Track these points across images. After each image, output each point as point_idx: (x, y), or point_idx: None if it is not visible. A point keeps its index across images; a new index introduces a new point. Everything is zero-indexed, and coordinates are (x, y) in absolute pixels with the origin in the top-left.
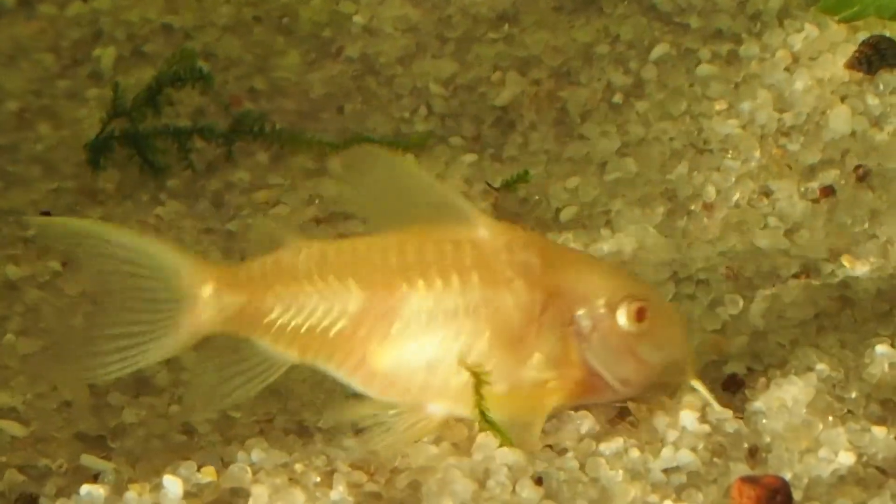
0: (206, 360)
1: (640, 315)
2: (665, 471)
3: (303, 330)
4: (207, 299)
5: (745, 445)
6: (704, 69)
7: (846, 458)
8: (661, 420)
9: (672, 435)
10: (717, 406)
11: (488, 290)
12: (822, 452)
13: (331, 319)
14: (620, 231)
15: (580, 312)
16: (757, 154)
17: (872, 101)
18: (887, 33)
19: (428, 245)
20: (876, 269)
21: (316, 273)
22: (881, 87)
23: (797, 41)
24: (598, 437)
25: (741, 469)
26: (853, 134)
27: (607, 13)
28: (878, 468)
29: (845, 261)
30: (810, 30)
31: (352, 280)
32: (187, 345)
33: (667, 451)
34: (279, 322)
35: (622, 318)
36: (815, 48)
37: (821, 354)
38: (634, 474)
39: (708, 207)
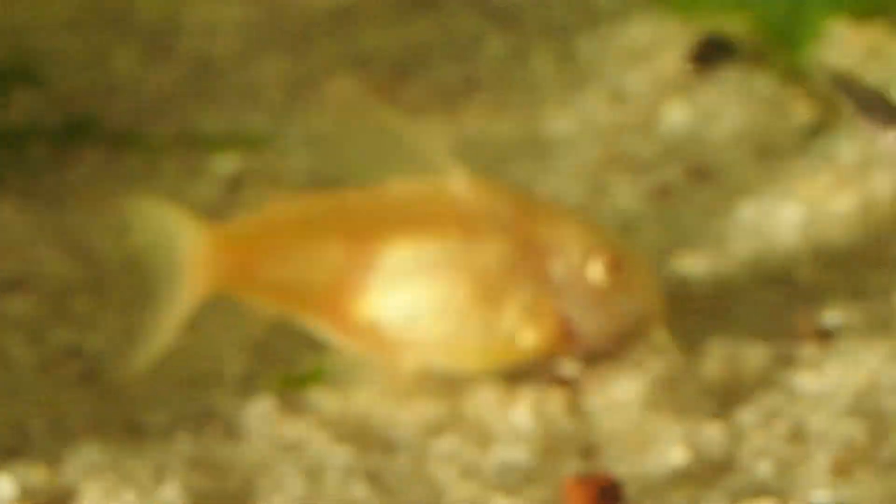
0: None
1: (612, 267)
2: (497, 468)
3: (285, 284)
4: (198, 260)
5: (579, 443)
6: (540, 65)
7: (679, 455)
8: (494, 417)
9: (505, 432)
10: (679, 360)
11: (466, 241)
12: (656, 449)
13: (313, 273)
14: None
15: (554, 264)
16: (595, 151)
17: (708, 95)
18: (722, 30)
19: (406, 199)
20: (711, 265)
21: (299, 228)
22: (717, 81)
23: (635, 35)
24: (432, 434)
25: (574, 466)
26: (689, 129)
27: (444, 10)
28: (711, 464)
29: (680, 256)
30: (648, 24)
31: (334, 236)
32: (189, 310)
33: (499, 449)
34: (264, 280)
35: (595, 270)
36: (652, 42)
37: (655, 351)
38: (467, 472)
39: None
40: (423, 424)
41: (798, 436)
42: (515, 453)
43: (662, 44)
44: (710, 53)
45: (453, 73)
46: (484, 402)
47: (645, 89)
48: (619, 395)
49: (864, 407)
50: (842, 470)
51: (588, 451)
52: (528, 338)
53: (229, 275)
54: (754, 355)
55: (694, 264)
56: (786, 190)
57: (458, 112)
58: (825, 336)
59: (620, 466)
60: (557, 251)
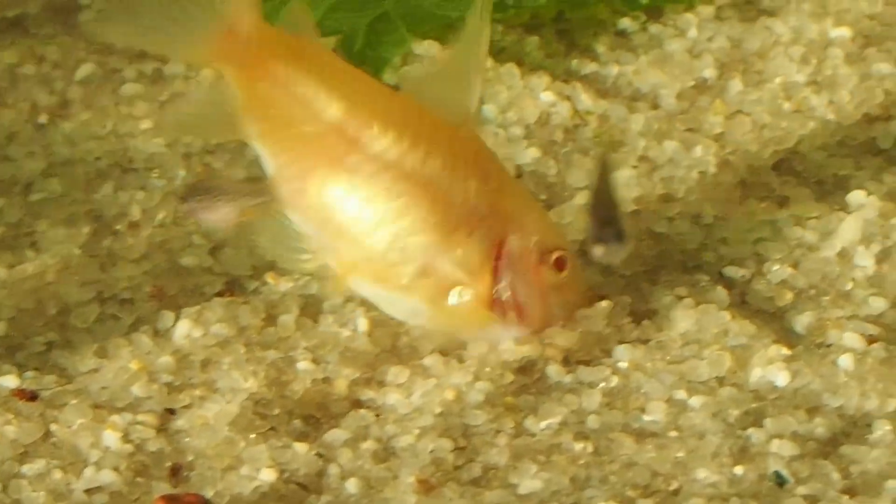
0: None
1: (560, 265)
2: (87, 491)
3: (272, 111)
4: (235, 35)
5: (168, 464)
6: (129, 88)
7: (267, 475)
8: (84, 439)
9: (95, 455)
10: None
11: (445, 173)
12: (244, 469)
13: (300, 118)
14: (45, 252)
15: (512, 238)
16: (182, 172)
17: None
18: None
19: (416, 110)
20: (300, 286)
21: (317, 73)
22: None
23: None
24: (22, 459)
25: (163, 488)
26: None
27: (33, 33)
28: (299, 484)
29: (270, 278)
30: None
31: (338, 96)
32: (195, 58)
33: (89, 471)
34: (262, 92)
35: (548, 261)
36: None
37: (245, 372)
38: (57, 495)
39: (133, 227)
40: (12, 447)
41: (385, 454)
42: (105, 476)
43: None
44: None
45: (43, 97)
46: (75, 424)
47: None
48: (210, 415)
49: (450, 424)
50: (428, 488)
51: (177, 471)
52: (460, 296)
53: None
54: (343, 377)
55: (283, 284)
56: None
57: (48, 135)
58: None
59: (209, 487)
60: (521, 228)
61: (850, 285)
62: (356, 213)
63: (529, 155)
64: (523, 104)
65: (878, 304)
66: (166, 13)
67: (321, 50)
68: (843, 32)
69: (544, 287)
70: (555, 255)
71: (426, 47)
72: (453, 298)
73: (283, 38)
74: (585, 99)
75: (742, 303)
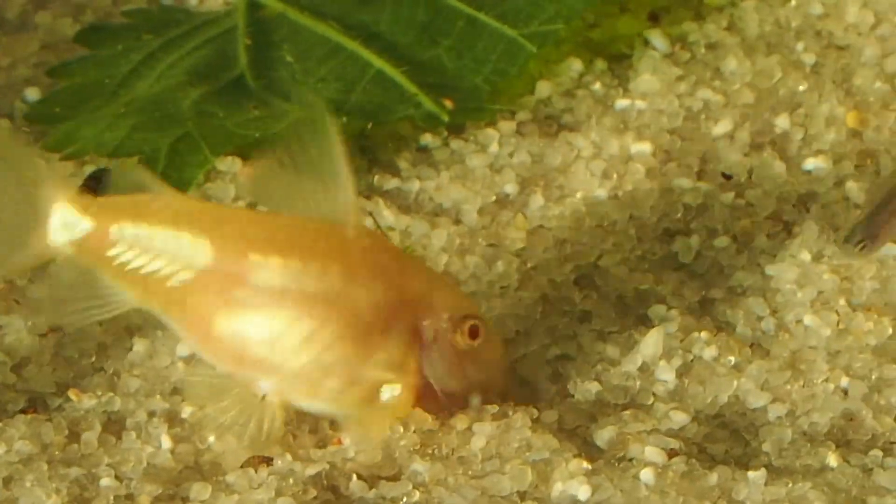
0: (57, 279)
1: (473, 334)
2: None
3: (142, 273)
4: (54, 219)
5: None
6: None
7: None
8: None
9: None
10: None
11: (346, 282)
12: None
13: (173, 269)
14: None
15: (426, 322)
16: None
17: None
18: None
19: (297, 227)
20: (103, 402)
21: (171, 221)
22: None
23: None
24: None
25: None
26: None
27: None
28: None
29: (73, 395)
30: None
31: (206, 237)
32: (33, 262)
33: None
34: (120, 259)
35: (460, 334)
36: None
37: (48, 489)
38: None
39: None
40: None
41: None
42: None
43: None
44: (98, 192)
45: None
46: None
47: None
48: None
49: None
50: None
51: None
52: (392, 391)
53: (80, 242)
54: (146, 493)
55: (86, 401)
56: None
57: None
58: None
59: None
60: (430, 310)
61: (651, 399)
62: (267, 346)
63: None
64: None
65: (679, 419)
66: None
67: (163, 197)
68: (644, 147)
69: (461, 358)
70: (468, 325)
71: (229, 164)
72: (385, 395)
73: (111, 201)
74: (387, 215)
75: (539, 419)
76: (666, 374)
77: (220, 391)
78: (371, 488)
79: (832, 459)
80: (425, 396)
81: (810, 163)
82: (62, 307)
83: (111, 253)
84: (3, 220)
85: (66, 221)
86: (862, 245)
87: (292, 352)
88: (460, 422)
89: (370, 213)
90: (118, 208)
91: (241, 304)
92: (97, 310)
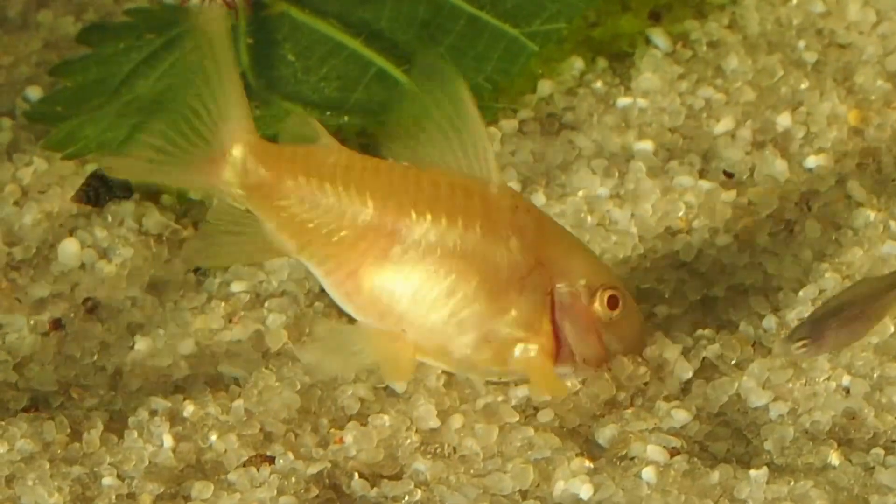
0: (219, 216)
1: (612, 303)
2: None
3: (309, 225)
4: (232, 159)
5: None
6: None
7: None
8: None
9: None
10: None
11: (486, 239)
12: None
13: (337, 224)
14: None
15: (561, 285)
16: None
17: (101, 233)
18: None
19: (444, 185)
20: (105, 401)
21: (339, 177)
22: (109, 219)
23: (26, 175)
24: None
25: None
26: (82, 266)
27: None
28: None
29: (75, 393)
30: (39, 164)
31: (368, 194)
32: (200, 188)
33: None
34: (289, 210)
35: (598, 302)
36: (43, 182)
37: (50, 488)
38: None
39: None
40: None
41: None
42: None
43: (56, 181)
44: (104, 190)
45: None
46: None
47: (39, 226)
48: None
49: None
50: None
51: None
52: (525, 351)
53: (253, 187)
54: (148, 492)
55: (88, 401)
56: (181, 324)
57: None
58: None
59: None
60: (567, 274)
61: (659, 397)
62: (410, 300)
63: None
64: None
65: (680, 417)
66: (163, 147)
67: (333, 152)
68: (646, 146)
69: (598, 326)
70: (606, 294)
71: None
72: (518, 353)
73: (288, 152)
74: None
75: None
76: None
77: (352, 338)
78: (373, 487)
79: (834, 458)
80: (562, 360)
81: (812, 161)
82: (220, 247)
83: (281, 203)
84: (186, 145)
85: (243, 166)
86: (802, 345)
87: (430, 306)
88: (458, 420)
89: None
90: (293, 160)
91: (391, 261)
92: (256, 254)
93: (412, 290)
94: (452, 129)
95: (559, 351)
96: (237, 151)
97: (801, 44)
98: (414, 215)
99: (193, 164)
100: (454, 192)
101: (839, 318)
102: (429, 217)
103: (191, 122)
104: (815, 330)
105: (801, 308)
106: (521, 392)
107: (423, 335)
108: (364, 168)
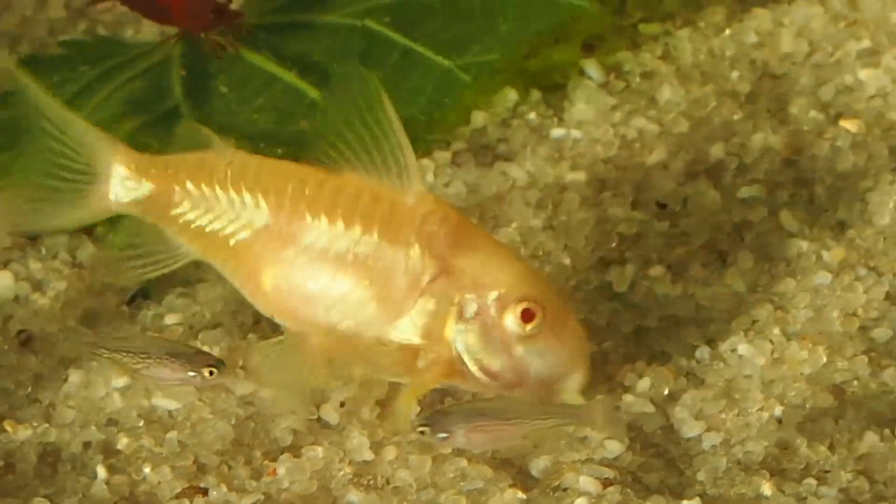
0: (121, 232)
1: (526, 317)
2: None
3: (206, 230)
4: (117, 180)
5: None
6: None
7: None
8: None
9: None
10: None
11: (383, 245)
12: None
13: (234, 228)
14: None
15: (468, 296)
16: None
17: (35, 265)
18: None
19: (350, 189)
20: (39, 433)
21: (231, 180)
22: (43, 251)
23: None
24: None
25: None
26: (16, 299)
27: None
28: None
29: (8, 426)
30: None
31: (262, 197)
32: (94, 218)
33: None
34: (185, 217)
35: (510, 315)
36: None
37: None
38: None
39: None
40: None
41: None
42: None
43: None
44: None
45: None
46: None
47: None
48: None
49: None
50: None
51: None
52: (426, 360)
53: (144, 202)
54: None
55: (22, 433)
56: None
57: None
58: None
59: None
60: (476, 286)
61: (586, 429)
62: (306, 301)
63: None
64: None
65: (613, 448)
66: (41, 195)
67: (225, 156)
68: (579, 176)
69: (510, 341)
70: (520, 307)
71: None
72: (421, 363)
73: (174, 161)
74: None
75: None
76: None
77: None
78: None
79: (766, 488)
80: (462, 373)
81: (745, 192)
82: (125, 263)
83: (175, 212)
84: (63, 182)
85: (127, 184)
86: (422, 430)
87: (327, 309)
88: (391, 452)
89: None
90: (179, 169)
91: (288, 262)
92: (162, 263)
93: (307, 292)
94: (370, 136)
95: (462, 365)
96: (116, 170)
97: (735, 74)
98: (309, 218)
99: (78, 198)
100: (359, 196)
101: (471, 423)
102: (324, 220)
103: (57, 162)
104: (441, 422)
105: (733, 338)
106: None
107: (325, 337)
108: (259, 170)
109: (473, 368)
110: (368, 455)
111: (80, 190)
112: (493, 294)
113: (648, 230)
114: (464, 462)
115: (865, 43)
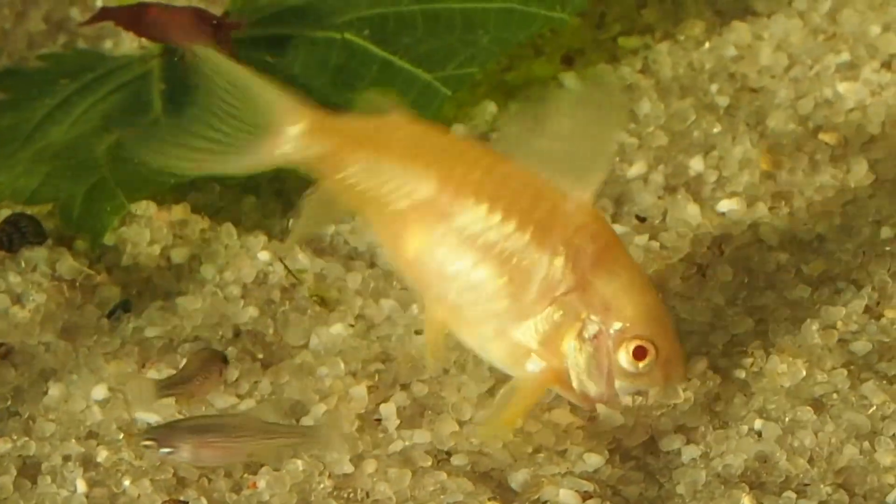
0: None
1: (638, 355)
2: None
3: (369, 195)
4: (292, 137)
5: None
6: None
7: None
8: None
9: None
10: None
11: (531, 247)
12: None
13: (396, 196)
14: None
15: (594, 318)
16: None
17: (14, 279)
18: (29, 211)
19: (518, 181)
20: (18, 447)
21: (404, 150)
22: (23, 264)
23: None
24: None
25: None
26: None
27: None
28: None
29: None
30: None
31: (432, 171)
32: (264, 168)
33: None
34: (349, 180)
35: (623, 348)
36: None
37: None
38: None
39: None
40: None
41: None
42: None
43: None
44: (17, 235)
45: None
46: None
47: None
48: None
49: None
50: None
51: None
52: (536, 365)
53: (315, 160)
54: None
55: (1, 447)
56: (94, 370)
57: None
58: None
59: None
60: (604, 310)
61: (566, 442)
62: (443, 277)
63: (247, 314)
64: (240, 263)
65: (593, 461)
66: (219, 131)
67: (402, 124)
68: None
69: (616, 372)
70: (633, 344)
71: (144, 208)
72: (531, 365)
73: (351, 124)
74: (302, 258)
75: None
76: (565, 418)
77: None
78: None
79: (746, 501)
80: (567, 385)
81: (724, 205)
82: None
83: (342, 173)
84: (244, 130)
85: (304, 140)
86: (147, 444)
87: (461, 292)
88: (371, 465)
89: (281, 259)
90: (354, 135)
91: (438, 237)
92: (324, 217)
93: (447, 270)
94: (577, 138)
95: (564, 379)
96: (294, 129)
97: (714, 88)
98: (470, 201)
99: (249, 149)
100: (525, 191)
101: (198, 438)
102: (483, 207)
103: (237, 117)
104: (166, 435)
105: (713, 352)
106: (427, 437)
107: (452, 312)
108: (433, 144)
109: (575, 386)
110: (348, 468)
111: (254, 141)
112: (617, 324)
113: (628, 243)
114: (443, 475)
115: (844, 56)
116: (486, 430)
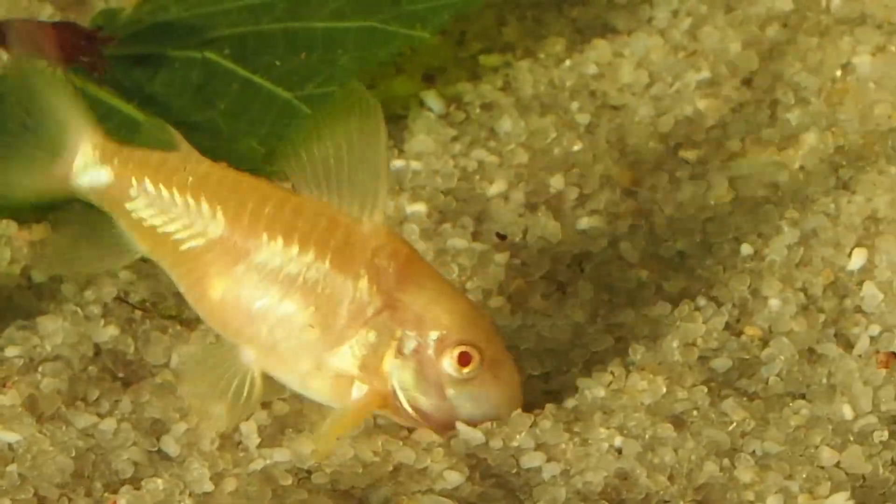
0: (68, 223)
1: (463, 361)
2: None
3: (159, 231)
4: (76, 161)
5: None
6: None
7: None
8: None
9: None
10: None
11: (333, 273)
12: None
13: (188, 234)
14: None
15: (409, 333)
16: None
17: None
18: None
19: (309, 212)
20: None
21: (192, 186)
22: None
23: None
24: None
25: None
26: None
27: None
28: None
29: None
30: None
31: (220, 209)
32: (53, 195)
33: None
34: (138, 214)
35: (447, 357)
36: None
37: None
38: None
39: None
40: None
41: None
42: None
43: None
44: None
45: None
46: None
47: None
48: None
49: None
50: None
51: None
52: (359, 390)
53: (101, 189)
54: None
55: None
56: None
57: None
58: None
59: None
60: (418, 324)
61: (427, 460)
62: (250, 317)
63: (108, 333)
64: (101, 282)
65: (453, 479)
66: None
67: (189, 160)
68: (419, 208)
69: (445, 382)
70: (457, 350)
71: (4, 227)
72: (355, 391)
73: (139, 155)
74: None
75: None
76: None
77: (207, 356)
78: None
79: None
80: (395, 407)
81: (585, 222)
82: (73, 253)
83: (130, 206)
84: (33, 150)
85: (89, 167)
86: None
87: (271, 329)
88: (231, 484)
89: (150, 276)
90: (142, 163)
91: (238, 277)
92: (111, 258)
93: (254, 309)
94: (350, 162)
95: (391, 400)
96: (83, 153)
97: (575, 105)
98: (265, 237)
99: (40, 171)
100: (318, 220)
101: None
102: (279, 240)
103: (30, 136)
104: None
105: (573, 370)
106: (288, 456)
107: (263, 352)
108: (221, 181)
109: (405, 404)
110: (209, 486)
111: (46, 164)
112: (434, 334)
113: (488, 261)
114: (304, 494)
115: (705, 73)
116: (317, 450)
